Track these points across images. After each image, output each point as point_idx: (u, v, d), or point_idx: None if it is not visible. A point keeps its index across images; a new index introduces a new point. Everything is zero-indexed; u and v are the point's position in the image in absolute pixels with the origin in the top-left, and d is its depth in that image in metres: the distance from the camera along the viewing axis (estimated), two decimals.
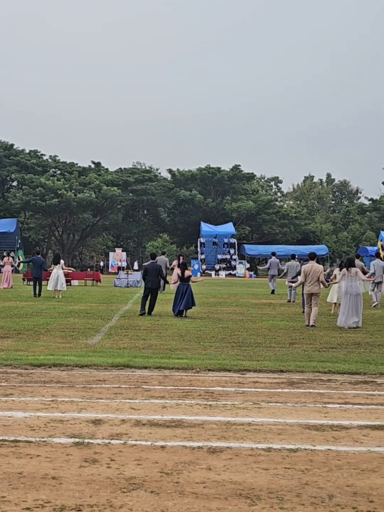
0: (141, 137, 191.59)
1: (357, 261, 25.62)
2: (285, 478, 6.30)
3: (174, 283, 25.06)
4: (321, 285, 20.48)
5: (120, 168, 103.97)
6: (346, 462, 6.82)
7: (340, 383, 11.49)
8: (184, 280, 23.15)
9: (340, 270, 24.75)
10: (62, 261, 34.21)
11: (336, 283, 23.14)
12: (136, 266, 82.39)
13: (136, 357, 13.55)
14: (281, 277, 33.95)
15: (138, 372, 12.25)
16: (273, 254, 39.86)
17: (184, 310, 22.86)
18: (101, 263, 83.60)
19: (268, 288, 39.93)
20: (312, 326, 20.05)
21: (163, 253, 42.43)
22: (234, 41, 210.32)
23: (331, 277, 25.81)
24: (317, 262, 21.13)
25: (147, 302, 23.37)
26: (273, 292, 38.44)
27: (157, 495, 5.78)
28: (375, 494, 5.89)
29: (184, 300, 22.68)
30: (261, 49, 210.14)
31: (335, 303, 25.34)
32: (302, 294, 23.23)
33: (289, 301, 31.30)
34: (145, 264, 24.55)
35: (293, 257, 32.74)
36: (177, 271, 33.44)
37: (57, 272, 32.93)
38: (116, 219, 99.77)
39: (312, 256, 20.93)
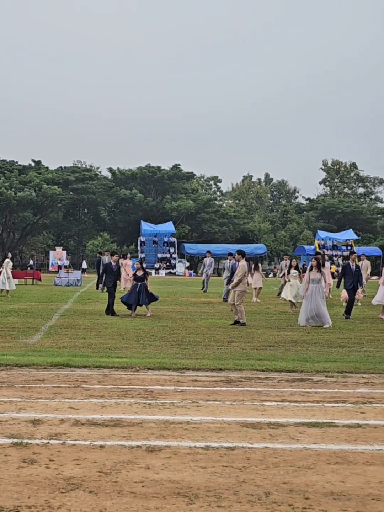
0: (81, 136, 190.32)
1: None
2: (222, 476, 6.37)
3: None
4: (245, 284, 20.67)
5: (61, 167, 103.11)
6: (283, 460, 6.92)
7: (277, 381, 11.63)
8: (138, 279, 23.24)
9: (288, 269, 25.06)
10: (6, 260, 33.77)
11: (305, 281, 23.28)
12: (84, 265, 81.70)
13: (75, 356, 13.52)
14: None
15: (78, 371, 12.23)
16: (208, 253, 40.09)
17: (146, 305, 23.18)
18: (31, 262, 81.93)
19: (208, 287, 39.98)
20: (240, 323, 20.16)
21: (108, 253, 42.06)
22: (171, 44, 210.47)
23: (286, 276, 26.06)
24: (248, 260, 21.31)
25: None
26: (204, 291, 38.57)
27: (95, 495, 5.80)
28: (311, 491, 5.99)
29: (142, 296, 22.93)
30: (205, 55, 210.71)
31: (294, 302, 25.41)
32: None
33: (224, 299, 31.29)
34: (105, 263, 24.42)
35: (230, 255, 32.71)
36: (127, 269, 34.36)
37: (5, 271, 32.59)
38: (57, 218, 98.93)
39: (241, 254, 21.09)
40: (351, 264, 23.86)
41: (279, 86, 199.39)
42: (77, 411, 8.96)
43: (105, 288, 24.41)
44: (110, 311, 23.04)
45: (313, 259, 21.31)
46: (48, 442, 7.38)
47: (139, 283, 23.03)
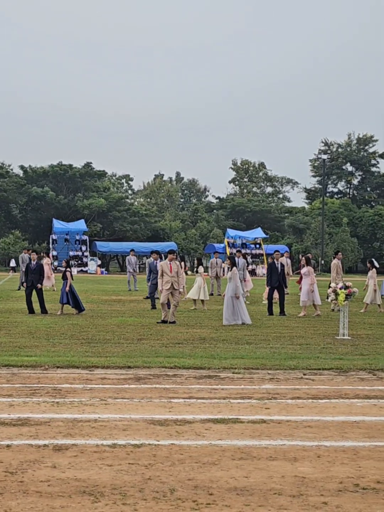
0: None
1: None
2: (128, 473, 6.43)
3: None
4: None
5: None
6: (188, 456, 7.02)
7: (185, 378, 11.74)
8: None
9: (196, 267, 25.26)
10: None
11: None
12: (13, 264, 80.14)
13: None
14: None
15: None
16: (132, 251, 40.05)
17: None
18: None
19: (119, 285, 39.93)
20: (172, 322, 20.26)
21: (28, 250, 41.13)
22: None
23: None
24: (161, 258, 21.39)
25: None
26: (136, 289, 38.32)
27: (0, 495, 5.78)
28: (215, 487, 6.10)
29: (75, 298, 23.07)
30: (124, 57, 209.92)
31: (203, 300, 25.60)
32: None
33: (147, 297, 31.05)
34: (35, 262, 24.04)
35: (153, 253, 32.59)
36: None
37: None
38: None
39: (171, 253, 21.20)
40: (276, 262, 24.18)
41: (192, 89, 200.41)
42: None
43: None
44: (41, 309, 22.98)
45: (227, 258, 21.55)
46: None
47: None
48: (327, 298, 19.12)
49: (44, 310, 22.91)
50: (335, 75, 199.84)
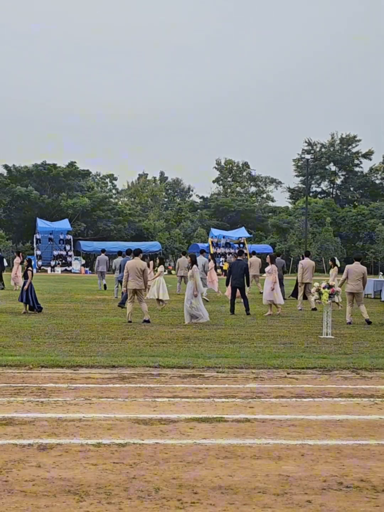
0: None
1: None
2: (113, 473, 6.43)
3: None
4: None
5: None
6: (173, 455, 7.03)
7: (169, 377, 11.75)
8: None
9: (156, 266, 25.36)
10: None
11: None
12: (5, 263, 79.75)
13: None
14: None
15: None
16: (103, 251, 40.05)
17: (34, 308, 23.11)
18: None
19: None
20: (146, 321, 20.28)
21: None
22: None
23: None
24: (141, 258, 21.39)
25: None
26: (105, 287, 38.40)
27: None
28: (200, 486, 6.11)
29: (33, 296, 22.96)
30: (104, 56, 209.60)
31: (160, 300, 25.76)
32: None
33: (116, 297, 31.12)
34: None
35: (120, 253, 32.74)
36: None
37: None
38: None
39: (135, 253, 21.19)
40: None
41: (175, 89, 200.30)
42: None
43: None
44: None
45: (188, 257, 21.71)
46: None
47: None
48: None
49: None
50: (319, 76, 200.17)
